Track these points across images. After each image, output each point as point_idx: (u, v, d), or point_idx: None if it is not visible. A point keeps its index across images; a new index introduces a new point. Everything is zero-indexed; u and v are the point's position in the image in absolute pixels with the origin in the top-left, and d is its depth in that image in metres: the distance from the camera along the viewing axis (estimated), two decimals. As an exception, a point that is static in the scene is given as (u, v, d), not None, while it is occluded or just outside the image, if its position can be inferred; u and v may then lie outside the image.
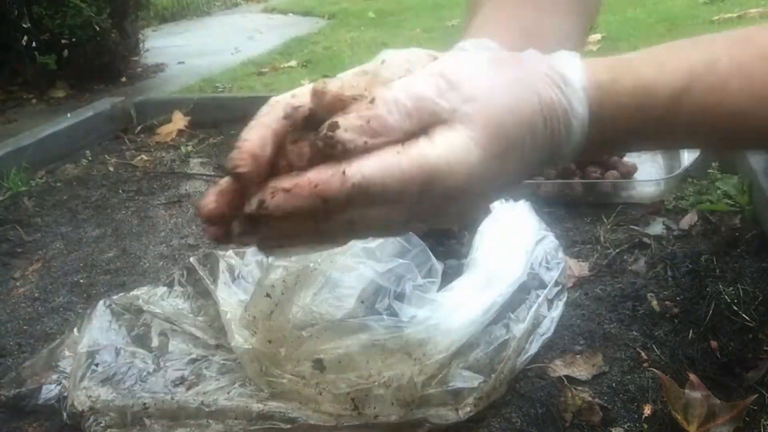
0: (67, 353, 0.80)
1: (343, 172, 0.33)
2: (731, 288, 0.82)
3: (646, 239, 0.96)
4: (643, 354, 0.73)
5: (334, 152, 0.33)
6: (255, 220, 0.34)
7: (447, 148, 0.33)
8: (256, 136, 0.34)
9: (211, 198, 0.35)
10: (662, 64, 0.37)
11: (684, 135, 0.40)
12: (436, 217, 0.37)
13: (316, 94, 0.36)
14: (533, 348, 0.74)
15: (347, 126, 0.33)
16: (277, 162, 0.36)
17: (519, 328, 0.72)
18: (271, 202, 0.33)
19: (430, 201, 0.34)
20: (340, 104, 0.35)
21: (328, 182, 0.33)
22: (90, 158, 1.64)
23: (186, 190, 1.39)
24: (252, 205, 0.33)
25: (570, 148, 0.37)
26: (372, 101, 0.34)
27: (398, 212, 0.35)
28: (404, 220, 0.36)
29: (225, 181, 0.35)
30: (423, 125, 0.34)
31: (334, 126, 0.34)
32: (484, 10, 0.55)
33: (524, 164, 0.36)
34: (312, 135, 0.35)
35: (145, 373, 0.75)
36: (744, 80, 0.35)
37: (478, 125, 0.33)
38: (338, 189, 0.33)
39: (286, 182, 0.33)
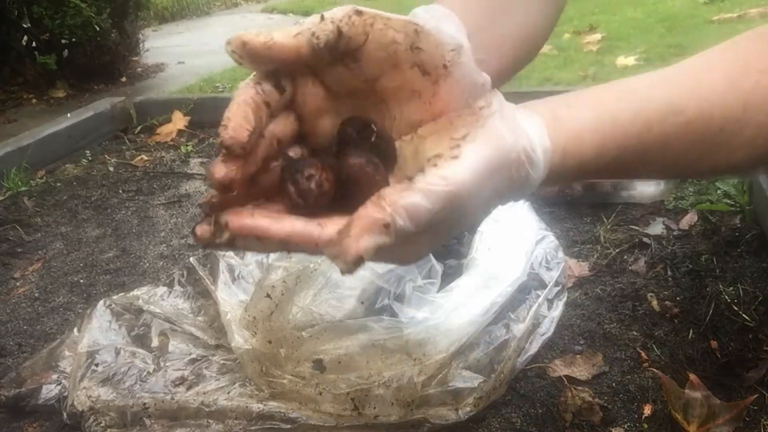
0: (67, 353, 0.80)
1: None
2: (731, 288, 0.82)
3: (646, 239, 0.96)
4: (643, 354, 0.73)
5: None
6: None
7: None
8: (238, 112, 0.33)
9: (219, 167, 0.34)
10: (613, 129, 0.39)
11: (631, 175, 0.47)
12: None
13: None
14: (533, 348, 0.74)
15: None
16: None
17: (519, 328, 0.72)
18: (240, 243, 0.33)
19: None
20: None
21: (324, 245, 0.32)
22: (90, 158, 1.64)
23: (186, 190, 1.39)
24: (222, 238, 0.33)
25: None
26: (379, 198, 0.31)
27: None
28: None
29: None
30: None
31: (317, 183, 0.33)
32: None
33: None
34: (294, 169, 0.33)
35: (145, 373, 0.75)
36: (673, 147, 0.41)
37: None
38: (337, 253, 0.31)
39: (261, 223, 0.32)
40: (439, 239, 0.36)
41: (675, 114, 0.39)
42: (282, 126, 0.36)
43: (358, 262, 0.30)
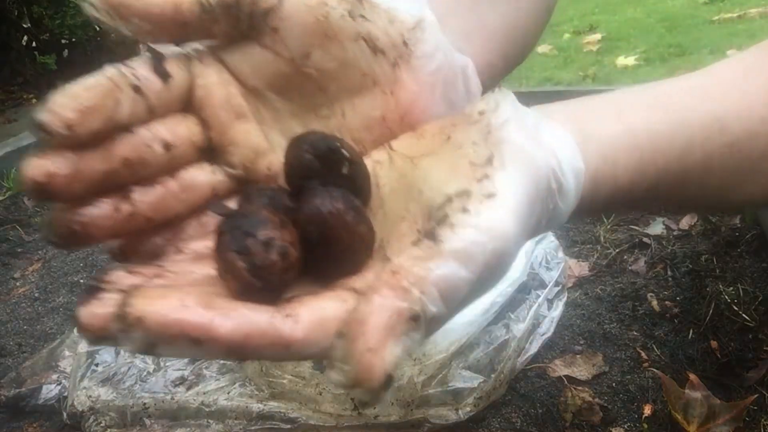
0: (67, 353, 0.80)
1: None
2: (731, 288, 0.82)
3: (646, 239, 0.96)
4: (643, 354, 0.73)
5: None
6: None
7: None
8: (75, 89, 0.22)
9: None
10: (642, 158, 0.30)
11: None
12: None
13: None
14: (533, 348, 0.74)
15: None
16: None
17: (519, 328, 0.72)
18: (163, 348, 0.20)
19: None
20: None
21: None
22: (90, 158, 1.64)
23: (186, 190, 1.39)
24: (130, 337, 0.20)
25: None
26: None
27: None
28: None
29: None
30: None
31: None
32: None
33: None
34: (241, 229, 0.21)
35: (145, 373, 0.75)
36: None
37: None
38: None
39: (197, 318, 0.20)
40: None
41: (721, 132, 0.31)
42: (173, 127, 0.25)
43: (387, 383, 0.19)
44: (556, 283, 0.82)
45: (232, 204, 0.27)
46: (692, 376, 0.65)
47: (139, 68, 0.24)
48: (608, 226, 1.01)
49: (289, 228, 0.22)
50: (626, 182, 0.29)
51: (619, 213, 0.40)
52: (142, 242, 0.25)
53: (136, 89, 0.24)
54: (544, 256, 0.86)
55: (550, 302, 0.80)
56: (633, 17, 2.77)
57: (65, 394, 0.74)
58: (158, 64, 0.24)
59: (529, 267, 0.81)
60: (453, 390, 0.66)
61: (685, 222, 1.00)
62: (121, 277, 0.22)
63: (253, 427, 0.66)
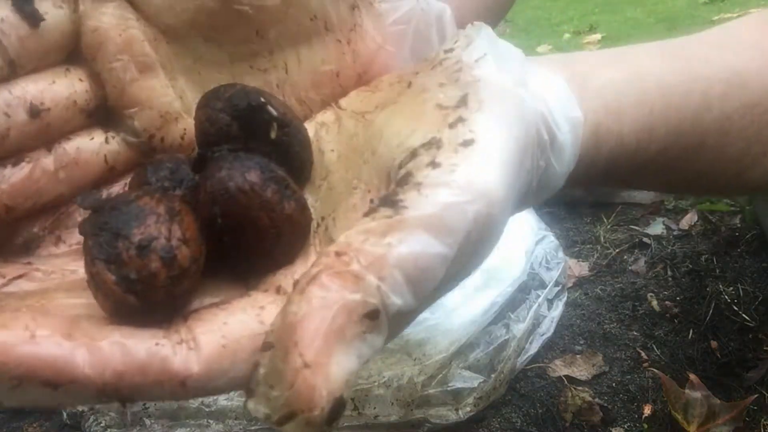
0: (67, 353, 0.80)
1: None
2: (731, 288, 0.82)
3: (646, 239, 0.96)
4: (643, 354, 0.73)
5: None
6: None
7: None
8: None
9: None
10: (652, 125, 0.24)
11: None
12: None
13: None
14: (533, 348, 0.74)
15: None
16: None
17: (519, 328, 0.72)
18: None
19: None
20: None
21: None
22: (90, 158, 1.64)
23: (186, 190, 1.39)
24: None
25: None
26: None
27: None
28: None
29: None
30: None
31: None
32: None
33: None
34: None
35: (145, 373, 0.75)
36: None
37: None
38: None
39: (49, 350, 0.14)
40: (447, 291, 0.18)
41: (741, 88, 0.25)
42: (47, 85, 0.19)
43: (336, 411, 0.14)
44: (556, 283, 0.82)
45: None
46: (692, 376, 0.65)
47: None
48: (608, 226, 1.01)
49: (184, 218, 0.16)
50: (632, 141, 0.23)
51: (618, 184, 0.33)
52: (13, 232, 0.19)
53: None
54: (544, 256, 0.86)
55: (550, 302, 0.80)
56: (633, 17, 2.77)
57: (65, 394, 0.74)
58: (23, 1, 0.17)
59: (529, 267, 0.81)
60: (453, 390, 0.66)
61: (685, 222, 1.00)
62: None
63: (253, 427, 0.66)
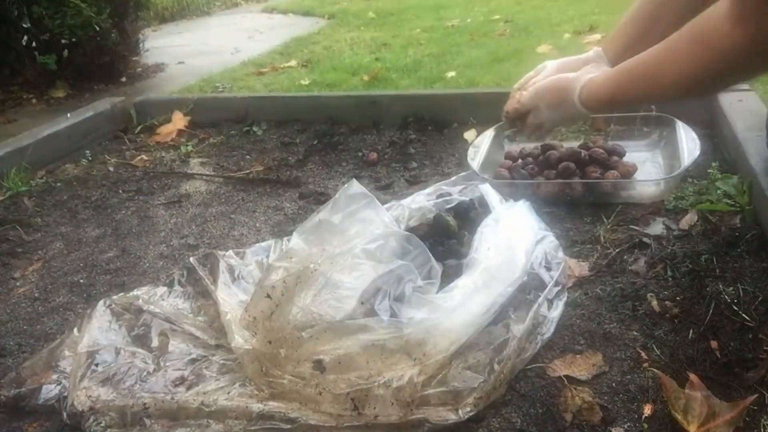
0: (67, 353, 0.80)
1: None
2: (731, 288, 0.82)
3: (646, 239, 0.96)
4: (643, 354, 0.73)
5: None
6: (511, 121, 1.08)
7: None
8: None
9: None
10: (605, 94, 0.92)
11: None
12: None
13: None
14: (533, 348, 0.74)
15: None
16: None
17: (519, 328, 0.72)
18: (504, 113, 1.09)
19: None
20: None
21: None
22: (90, 158, 1.64)
23: (186, 190, 1.39)
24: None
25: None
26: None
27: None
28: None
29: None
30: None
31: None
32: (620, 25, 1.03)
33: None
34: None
35: (145, 373, 0.75)
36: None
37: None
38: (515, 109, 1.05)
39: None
40: (552, 112, 1.01)
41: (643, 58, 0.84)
42: None
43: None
44: (556, 283, 0.82)
45: None
46: (692, 376, 0.65)
47: None
48: (608, 226, 1.01)
49: None
50: (604, 82, 0.94)
51: (616, 96, 0.89)
52: None
53: None
54: (544, 256, 0.86)
55: (550, 302, 0.80)
56: (633, 17, 2.76)
57: (65, 394, 0.74)
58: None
59: (529, 267, 0.81)
60: (453, 390, 0.66)
61: (685, 222, 1.00)
62: None
63: (253, 427, 0.66)
